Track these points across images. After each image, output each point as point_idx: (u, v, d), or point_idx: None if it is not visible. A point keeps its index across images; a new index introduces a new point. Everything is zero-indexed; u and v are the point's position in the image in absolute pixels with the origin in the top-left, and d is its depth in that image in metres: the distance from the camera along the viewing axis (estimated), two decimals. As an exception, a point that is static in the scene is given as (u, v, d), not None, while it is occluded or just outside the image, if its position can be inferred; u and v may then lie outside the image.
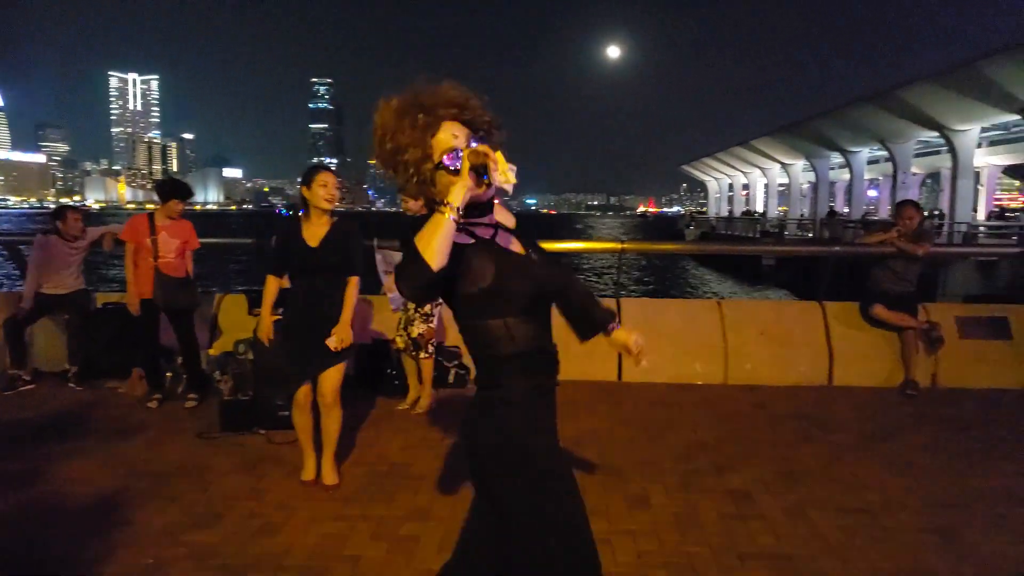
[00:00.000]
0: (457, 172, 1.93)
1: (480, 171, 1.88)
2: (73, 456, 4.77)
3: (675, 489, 4.26)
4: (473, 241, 2.02)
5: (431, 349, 5.78)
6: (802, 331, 6.97)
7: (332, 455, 4.38)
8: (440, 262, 1.82)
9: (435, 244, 1.81)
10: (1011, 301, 7.48)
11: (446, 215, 1.83)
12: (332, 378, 4.23)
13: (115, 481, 4.35)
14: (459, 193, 1.86)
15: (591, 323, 2.38)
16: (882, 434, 5.35)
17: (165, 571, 3.30)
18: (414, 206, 5.59)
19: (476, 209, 2.03)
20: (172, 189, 5.94)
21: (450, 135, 2.00)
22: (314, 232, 4.17)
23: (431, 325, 5.73)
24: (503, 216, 2.15)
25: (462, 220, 1.89)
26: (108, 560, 3.38)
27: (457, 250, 1.91)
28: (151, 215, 5.89)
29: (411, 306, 5.72)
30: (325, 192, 4.14)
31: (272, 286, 4.34)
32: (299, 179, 4.30)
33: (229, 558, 3.43)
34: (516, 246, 2.11)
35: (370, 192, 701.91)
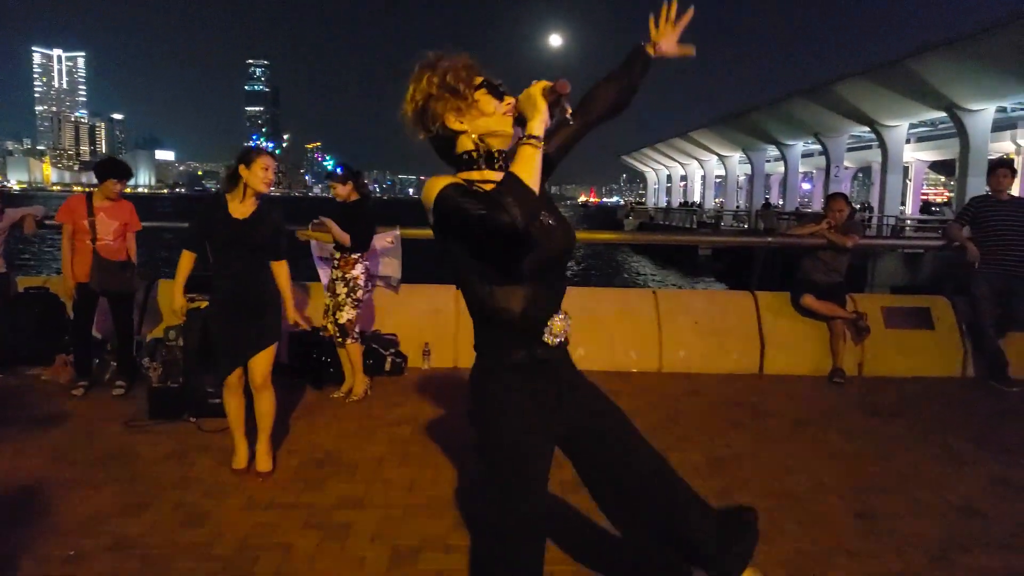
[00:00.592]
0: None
1: (553, 105, 2.03)
2: (-7, 445, 4.61)
3: (608, 475, 4.30)
4: None
5: (356, 335, 5.73)
6: (735, 320, 7.12)
7: (267, 439, 4.32)
8: (537, 189, 1.95)
9: (533, 172, 1.94)
10: (934, 292, 7.76)
11: (536, 146, 1.97)
12: (262, 362, 4.18)
13: (37, 471, 4.22)
14: (540, 126, 1.99)
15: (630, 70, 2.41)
16: (810, 421, 5.50)
17: (86, 562, 3.21)
18: (343, 191, 5.58)
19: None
20: (109, 169, 5.76)
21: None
22: (241, 209, 4.12)
23: (358, 311, 5.71)
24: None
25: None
26: (26, 553, 3.26)
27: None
28: (89, 196, 5.74)
29: (341, 291, 5.66)
30: (266, 175, 4.12)
31: (187, 262, 4.28)
32: (236, 158, 4.22)
33: (154, 548, 3.35)
34: None
35: (307, 177, 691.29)
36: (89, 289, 5.69)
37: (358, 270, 5.70)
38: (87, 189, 5.84)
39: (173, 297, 4.36)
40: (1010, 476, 4.45)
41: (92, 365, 5.93)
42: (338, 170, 5.69)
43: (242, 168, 4.10)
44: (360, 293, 5.71)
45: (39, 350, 6.27)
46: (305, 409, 5.52)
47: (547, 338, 2.14)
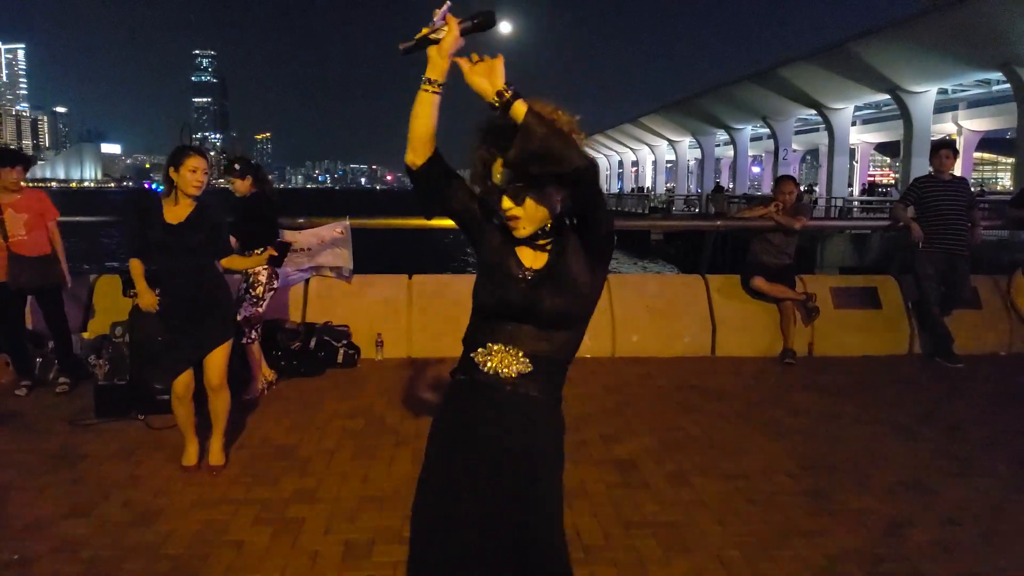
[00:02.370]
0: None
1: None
2: (-70, 449, 4.46)
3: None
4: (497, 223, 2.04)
5: (254, 335, 5.51)
6: (686, 304, 7.18)
7: (221, 434, 4.25)
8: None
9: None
10: (881, 272, 7.91)
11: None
12: (217, 360, 4.09)
13: (-23, 474, 4.09)
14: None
15: None
16: (762, 402, 5.59)
17: (31, 566, 3.13)
18: (241, 187, 5.40)
19: None
20: (1, 158, 5.38)
21: (495, 173, 1.94)
22: (176, 212, 4.00)
23: (259, 309, 5.47)
24: None
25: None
26: (-33, 558, 3.17)
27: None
28: None
29: (242, 287, 5.45)
30: (194, 178, 3.97)
31: (138, 268, 4.20)
32: (167, 159, 4.11)
33: (102, 549, 3.27)
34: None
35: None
36: (5, 288, 5.42)
37: (261, 265, 5.39)
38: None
39: (141, 295, 4.25)
40: (955, 451, 4.58)
41: (33, 364, 5.74)
42: (235, 165, 5.52)
43: (171, 171, 3.99)
44: (260, 290, 5.41)
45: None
46: (254, 403, 5.42)
47: (479, 363, 2.02)
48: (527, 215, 1.92)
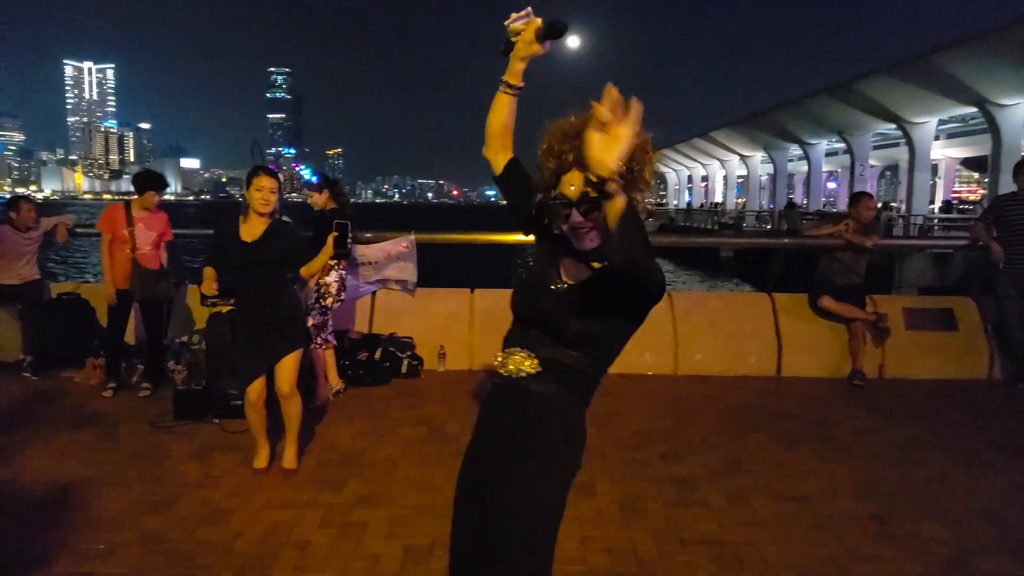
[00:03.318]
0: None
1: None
2: (30, 445, 4.78)
3: (620, 478, 4.35)
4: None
5: (320, 340, 5.73)
6: (752, 322, 7.10)
7: (294, 440, 4.44)
8: None
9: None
10: (962, 293, 7.67)
11: None
12: (287, 368, 4.26)
13: (70, 469, 4.37)
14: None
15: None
16: (827, 424, 5.50)
17: (115, 557, 3.33)
18: (319, 200, 5.66)
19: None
20: (147, 181, 5.96)
21: (567, 184, 1.94)
22: (251, 230, 4.18)
23: (327, 318, 5.73)
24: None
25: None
26: (61, 547, 3.40)
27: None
28: (127, 205, 5.91)
29: (312, 296, 5.69)
30: (260, 196, 4.14)
31: (210, 271, 4.30)
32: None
33: (178, 544, 3.47)
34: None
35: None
36: (127, 295, 5.87)
37: (331, 277, 5.71)
38: (116, 197, 5.95)
39: (206, 284, 4.26)
40: (1031, 481, 4.41)
41: (121, 368, 6.10)
42: (314, 179, 5.81)
43: (245, 191, 4.20)
44: (329, 301, 5.71)
45: (70, 353, 6.47)
46: (322, 410, 5.60)
47: (498, 367, 2.13)
48: (599, 228, 1.92)
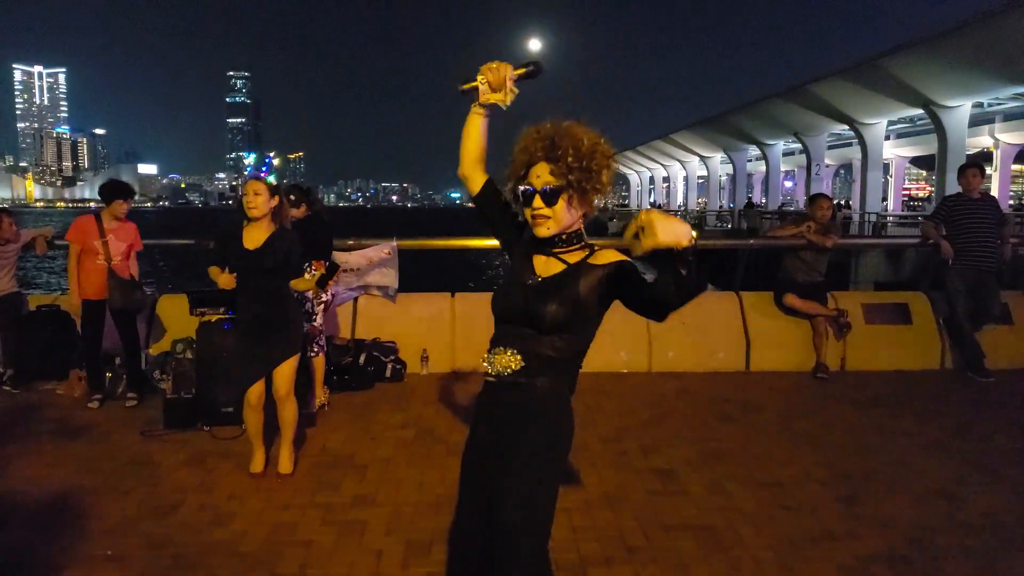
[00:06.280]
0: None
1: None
2: (21, 457, 4.82)
3: (605, 470, 4.57)
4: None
5: (316, 348, 5.79)
6: (721, 320, 7.38)
7: (289, 443, 4.55)
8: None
9: None
10: (915, 288, 8.03)
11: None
12: (285, 372, 4.39)
13: (66, 479, 4.43)
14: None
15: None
16: (795, 415, 5.77)
17: (124, 562, 3.43)
18: (297, 213, 5.61)
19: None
20: (114, 190, 5.91)
21: (535, 174, 2.19)
22: (252, 238, 4.31)
23: (314, 323, 5.76)
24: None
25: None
26: (67, 553, 3.49)
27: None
28: (97, 215, 5.89)
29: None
30: (246, 200, 4.27)
31: (217, 269, 4.43)
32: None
33: (185, 547, 3.58)
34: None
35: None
36: (97, 306, 5.87)
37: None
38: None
39: (222, 280, 4.38)
40: (985, 463, 4.73)
41: (105, 379, 6.12)
42: (290, 196, 5.71)
43: (243, 199, 4.33)
44: (308, 306, 5.70)
45: (53, 366, 6.49)
46: (311, 416, 5.72)
47: (486, 366, 2.30)
48: (555, 217, 2.17)
